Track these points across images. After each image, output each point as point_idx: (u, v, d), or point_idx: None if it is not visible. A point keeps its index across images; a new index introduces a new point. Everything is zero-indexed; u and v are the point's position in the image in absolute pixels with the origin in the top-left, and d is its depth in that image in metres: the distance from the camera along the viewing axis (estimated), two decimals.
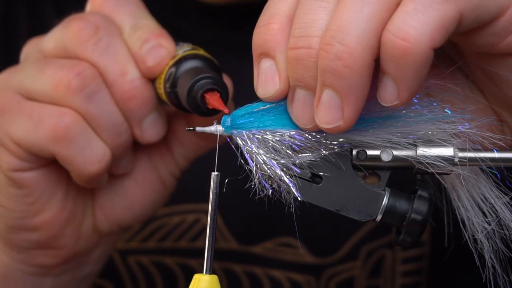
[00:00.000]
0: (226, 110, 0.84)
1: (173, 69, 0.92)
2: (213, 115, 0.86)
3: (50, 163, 0.97)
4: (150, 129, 0.97)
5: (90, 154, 0.94)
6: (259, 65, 0.76)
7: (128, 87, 0.94)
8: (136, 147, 1.02)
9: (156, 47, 0.94)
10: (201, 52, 0.94)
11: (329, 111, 0.72)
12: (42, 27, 1.35)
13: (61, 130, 0.92)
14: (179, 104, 0.91)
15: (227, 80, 0.94)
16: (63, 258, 1.03)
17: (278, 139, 0.77)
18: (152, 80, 0.96)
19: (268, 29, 0.75)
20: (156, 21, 0.98)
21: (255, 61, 0.77)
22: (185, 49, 0.94)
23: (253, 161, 0.77)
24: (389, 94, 0.72)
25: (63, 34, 0.96)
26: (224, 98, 0.86)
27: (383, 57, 0.71)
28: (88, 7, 1.01)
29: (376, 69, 0.72)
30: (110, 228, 1.04)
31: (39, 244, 1.01)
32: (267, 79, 0.76)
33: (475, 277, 0.81)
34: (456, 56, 0.82)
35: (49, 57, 0.97)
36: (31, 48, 1.01)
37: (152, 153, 1.03)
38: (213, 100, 0.85)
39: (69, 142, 0.93)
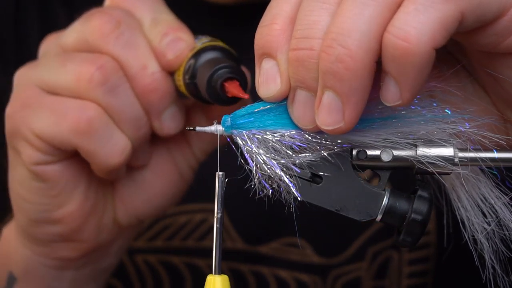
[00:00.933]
0: (246, 97, 0.85)
1: (192, 61, 0.93)
2: (233, 103, 0.87)
3: (72, 156, 0.98)
4: (169, 122, 0.98)
5: (112, 147, 0.95)
6: (260, 65, 0.77)
7: (148, 80, 0.95)
8: (155, 139, 1.02)
9: (175, 40, 0.95)
10: (219, 43, 0.95)
11: (330, 113, 0.73)
12: (52, 24, 1.36)
13: (83, 123, 0.93)
14: (199, 95, 0.92)
15: (245, 70, 0.95)
16: (84, 251, 1.03)
17: (278, 139, 0.77)
18: (171, 73, 0.97)
19: (270, 30, 0.75)
20: (175, 16, 0.99)
21: (257, 61, 0.77)
22: (204, 41, 0.95)
23: (253, 161, 0.77)
24: (391, 95, 0.72)
25: (84, 28, 0.96)
26: (243, 86, 0.87)
27: (384, 58, 0.71)
28: (108, 1, 1.01)
29: (378, 70, 0.72)
30: (130, 220, 1.05)
31: (61, 237, 1.01)
32: (269, 79, 0.76)
33: (480, 278, 0.81)
34: (459, 54, 0.82)
35: (70, 51, 0.97)
36: (50, 44, 1.01)
37: (170, 146, 1.04)
38: (233, 88, 0.86)
39: (91, 135, 0.94)
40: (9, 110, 0.98)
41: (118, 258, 1.10)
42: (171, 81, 0.97)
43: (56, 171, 0.97)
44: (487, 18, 0.72)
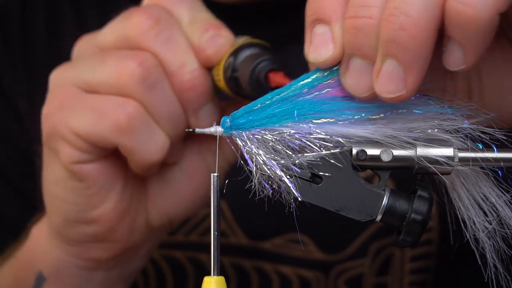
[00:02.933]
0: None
1: (231, 58, 0.93)
2: None
3: (110, 155, 0.97)
4: (205, 119, 0.97)
5: (152, 144, 0.95)
6: (312, 30, 0.76)
7: (188, 77, 0.95)
8: (187, 139, 1.02)
9: (216, 36, 0.95)
10: (259, 41, 0.95)
11: (392, 81, 0.72)
12: (58, 22, 1.36)
13: (124, 121, 0.93)
14: (239, 90, 0.92)
15: None
16: (116, 251, 1.03)
17: (277, 139, 0.77)
18: (209, 69, 0.96)
19: None
20: (213, 14, 0.99)
21: (308, 27, 0.76)
22: (243, 39, 0.95)
23: (253, 162, 0.77)
24: (456, 59, 0.71)
25: (124, 26, 0.96)
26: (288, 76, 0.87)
27: (448, 24, 0.70)
28: (146, 0, 1.01)
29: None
30: (161, 221, 1.04)
31: (95, 237, 1.01)
32: (321, 44, 0.75)
33: (481, 276, 0.81)
34: (507, 26, 0.79)
35: (109, 49, 0.97)
36: (85, 44, 1.01)
37: (202, 146, 1.04)
38: (278, 78, 0.86)
39: (132, 132, 0.93)
40: (46, 110, 0.98)
41: (145, 262, 1.10)
42: (209, 78, 0.96)
43: (94, 170, 0.97)
44: None
